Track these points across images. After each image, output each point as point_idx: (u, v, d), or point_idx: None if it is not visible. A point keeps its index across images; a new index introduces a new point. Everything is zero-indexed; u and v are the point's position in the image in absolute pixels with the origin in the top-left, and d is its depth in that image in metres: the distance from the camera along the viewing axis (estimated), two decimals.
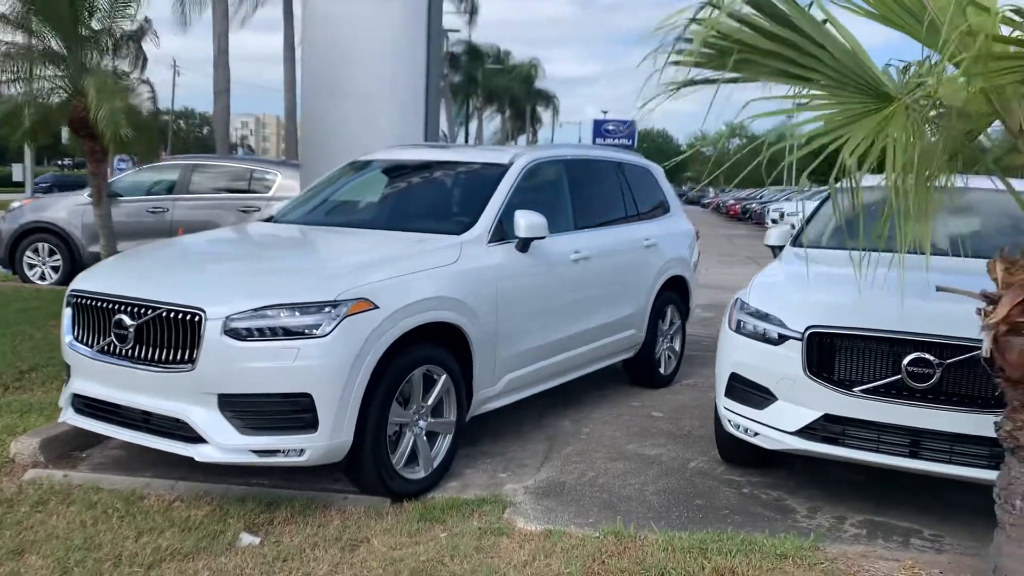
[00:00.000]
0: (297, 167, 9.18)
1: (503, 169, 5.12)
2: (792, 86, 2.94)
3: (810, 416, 3.99)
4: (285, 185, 10.16)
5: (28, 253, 10.68)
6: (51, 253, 10.64)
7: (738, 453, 4.68)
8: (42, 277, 10.68)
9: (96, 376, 4.10)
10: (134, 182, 10.99)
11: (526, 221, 4.72)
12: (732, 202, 43.63)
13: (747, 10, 2.81)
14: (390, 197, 5.67)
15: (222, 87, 18.37)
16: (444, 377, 4.29)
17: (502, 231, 4.80)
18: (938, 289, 3.23)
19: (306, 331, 3.73)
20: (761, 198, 38.56)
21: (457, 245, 4.54)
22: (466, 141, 49.40)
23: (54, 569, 3.32)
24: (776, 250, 5.51)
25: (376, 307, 3.88)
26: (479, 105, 52.69)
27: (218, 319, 3.70)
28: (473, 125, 53.63)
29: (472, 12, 41.80)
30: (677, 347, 6.90)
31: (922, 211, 2.91)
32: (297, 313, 3.76)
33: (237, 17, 26.27)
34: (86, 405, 4.20)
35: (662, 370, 6.66)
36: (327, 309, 3.77)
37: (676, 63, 2.91)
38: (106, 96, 6.43)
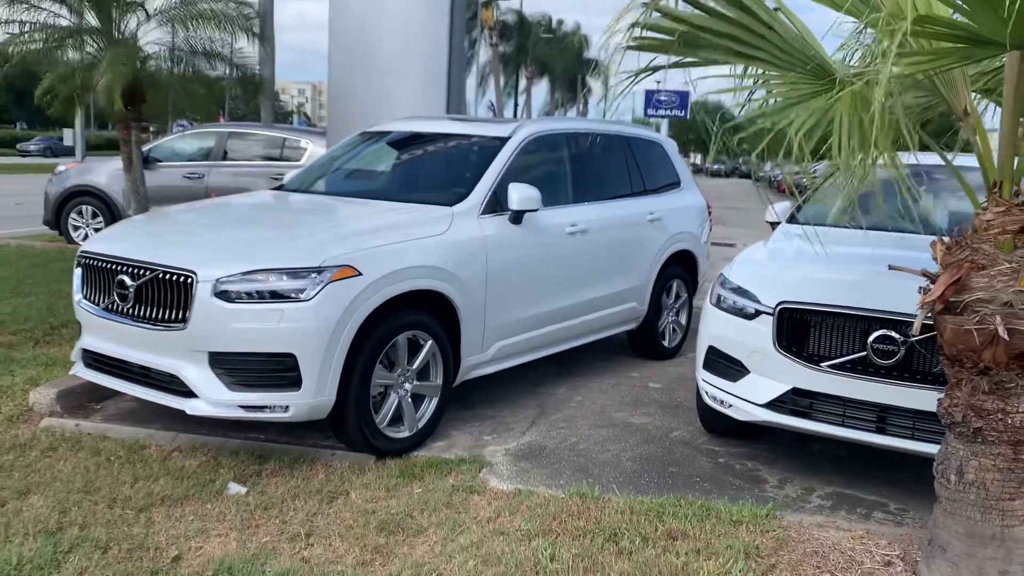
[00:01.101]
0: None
1: (502, 142, 5.24)
2: (743, 66, 3.01)
3: (779, 389, 4.08)
4: (316, 153, 10.39)
5: (73, 215, 11.15)
6: (94, 215, 11.09)
7: (719, 424, 4.78)
8: (85, 238, 11.13)
9: (102, 333, 4.37)
10: (172, 148, 11.35)
11: (519, 194, 4.84)
12: (782, 176, 42.88)
13: None
14: (393, 168, 5.85)
15: (267, 55, 18.63)
16: (430, 343, 4.47)
17: (496, 203, 4.94)
18: (890, 268, 3.29)
19: (291, 295, 3.94)
20: (814, 172, 37.80)
21: (448, 216, 4.69)
22: (515, 112, 49.31)
23: (53, 508, 3.59)
24: (775, 227, 5.55)
25: (360, 274, 4.06)
26: (529, 75, 52.42)
27: (208, 281, 3.93)
28: (523, 96, 53.44)
29: None
30: (683, 321, 6.97)
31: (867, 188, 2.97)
32: (284, 277, 3.97)
33: None
34: (94, 359, 4.49)
35: (666, 343, 6.76)
36: (312, 275, 3.97)
37: (630, 47, 3.00)
38: (114, 66, 6.69)
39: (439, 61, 7.79)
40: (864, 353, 3.85)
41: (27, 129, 54.58)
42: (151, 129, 11.03)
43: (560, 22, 53.52)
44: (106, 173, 10.93)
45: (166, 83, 8.30)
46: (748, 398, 4.20)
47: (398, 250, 4.32)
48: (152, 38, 7.85)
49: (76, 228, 11.17)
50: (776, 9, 3.01)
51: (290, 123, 46.28)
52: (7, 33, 7.40)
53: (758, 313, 4.18)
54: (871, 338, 3.83)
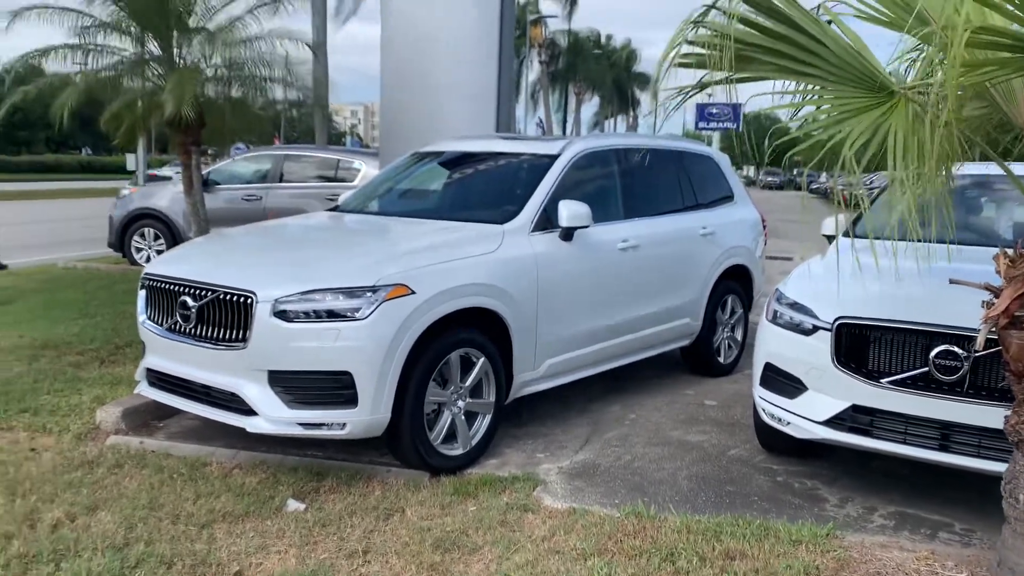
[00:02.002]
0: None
1: (551, 160, 5.27)
2: (794, 82, 2.99)
3: (838, 406, 4.01)
4: (369, 173, 10.56)
5: (136, 237, 11.50)
6: (156, 237, 11.42)
7: (777, 442, 4.71)
8: (148, 260, 11.46)
9: (165, 352, 4.50)
10: (231, 171, 11.64)
11: (568, 211, 4.86)
12: (841, 187, 42.00)
13: (745, 9, 2.87)
14: (445, 187, 5.92)
15: (321, 78, 18.99)
16: (482, 360, 4.49)
17: (547, 220, 4.96)
18: (951, 281, 3.21)
19: (347, 314, 4.00)
20: (871, 183, 37.12)
21: (499, 234, 4.73)
22: (563, 128, 49.40)
23: (120, 524, 3.69)
24: (832, 240, 5.46)
25: (413, 292, 4.11)
26: (577, 91, 52.54)
27: (267, 301, 4.02)
28: (573, 111, 53.57)
29: (572, 1, 41.58)
30: (739, 337, 6.89)
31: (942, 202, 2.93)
32: (340, 297, 4.04)
33: (343, 10, 27.06)
34: (158, 378, 4.61)
35: (721, 359, 6.69)
36: (367, 294, 4.03)
37: (681, 65, 3.01)
38: (177, 88, 6.90)
39: (489, 80, 7.87)
40: (926, 369, 3.77)
41: (92, 155, 56.39)
42: (210, 152, 11.37)
43: (609, 37, 53.67)
44: (167, 196, 11.26)
45: (223, 107, 8.52)
46: (806, 415, 4.13)
47: (450, 268, 4.37)
48: (212, 62, 8.08)
49: (139, 250, 11.51)
50: (829, 22, 2.98)
51: (343, 144, 47.04)
52: (76, 63, 7.69)
53: (816, 329, 4.11)
54: (933, 353, 3.74)
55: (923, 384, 3.78)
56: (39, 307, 8.30)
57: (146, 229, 11.48)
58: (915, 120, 2.77)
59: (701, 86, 3.08)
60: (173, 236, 11.19)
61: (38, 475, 4.21)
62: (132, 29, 7.41)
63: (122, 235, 11.59)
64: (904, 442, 3.87)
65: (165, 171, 22.20)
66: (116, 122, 8.24)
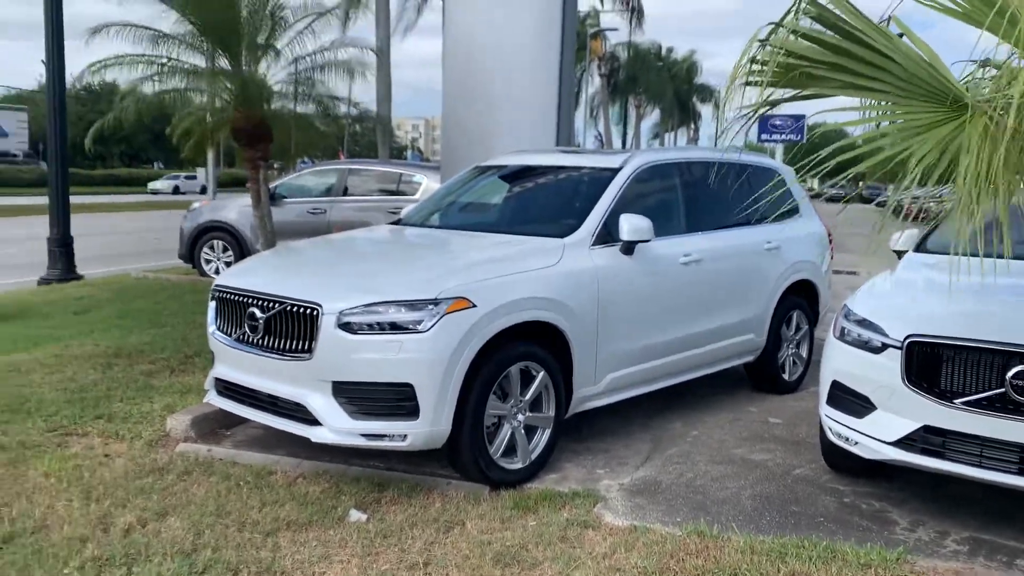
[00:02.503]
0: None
1: (613, 173, 5.26)
2: (860, 98, 2.93)
3: (909, 427, 3.90)
4: (430, 187, 10.68)
5: (205, 249, 11.83)
6: (224, 249, 11.72)
7: (844, 462, 4.60)
8: (217, 272, 11.77)
9: (234, 362, 4.61)
10: (296, 185, 11.89)
11: (630, 224, 4.84)
12: (909, 201, 40.94)
13: (809, 24, 2.83)
14: (505, 201, 5.95)
15: (383, 95, 19.39)
16: (542, 374, 4.49)
17: (607, 234, 4.94)
18: None
19: (409, 326, 4.05)
20: (939, 198, 35.98)
21: (560, 248, 4.73)
22: (623, 140, 49.22)
23: (189, 530, 3.78)
24: (901, 255, 5.33)
25: (474, 306, 4.14)
26: (638, 104, 52.32)
27: (333, 313, 4.09)
28: (632, 125, 53.36)
29: (635, 12, 41.46)
30: (804, 353, 6.76)
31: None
32: (403, 309, 4.09)
33: (402, 24, 27.46)
34: (226, 388, 4.73)
35: (786, 376, 6.56)
36: (429, 306, 4.07)
37: (748, 83, 2.98)
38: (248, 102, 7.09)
39: (549, 94, 7.89)
40: (1002, 390, 3.64)
41: (163, 168, 58.27)
42: (276, 167, 11.68)
43: (670, 50, 53.36)
44: (236, 209, 11.55)
45: (289, 122, 8.72)
46: (875, 435, 4.02)
47: (511, 282, 4.38)
48: (279, 78, 8.29)
49: (208, 262, 11.82)
50: (900, 35, 2.92)
51: (404, 158, 47.68)
52: (152, 79, 7.95)
53: (885, 347, 4.01)
54: (1011, 373, 3.61)
55: (1000, 405, 3.65)
56: (113, 316, 8.57)
57: (215, 241, 11.80)
58: (988, 133, 2.69)
59: (768, 104, 3.04)
60: (240, 248, 11.47)
61: (111, 480, 4.34)
62: (205, 45, 7.65)
63: (192, 247, 11.92)
64: (980, 465, 3.74)
65: (159, 184, 22.71)
66: (187, 136, 8.49)
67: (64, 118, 11.08)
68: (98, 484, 4.27)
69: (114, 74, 7.84)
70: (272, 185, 11.33)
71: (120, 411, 5.39)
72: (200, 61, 7.78)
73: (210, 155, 19.30)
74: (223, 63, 7.77)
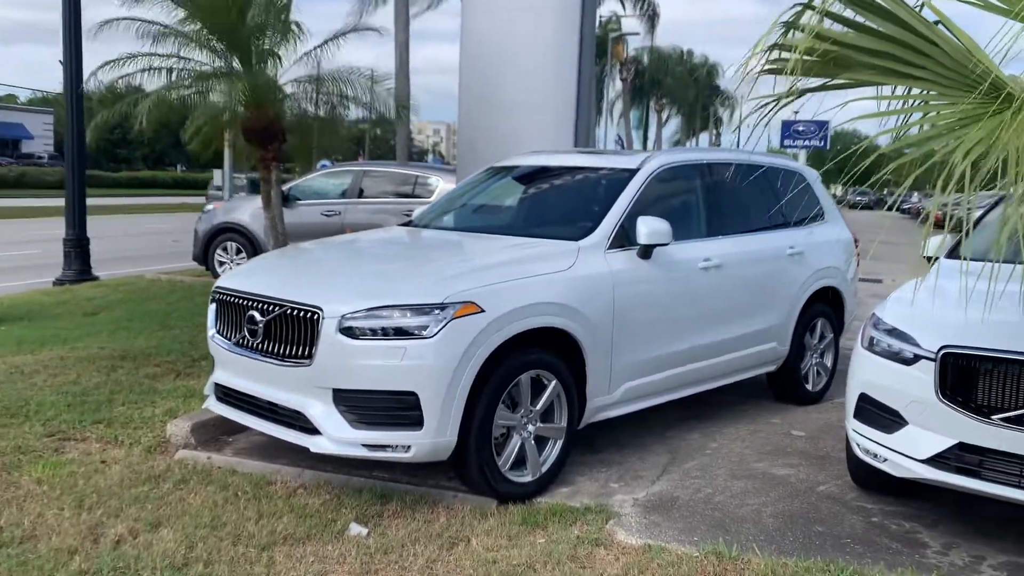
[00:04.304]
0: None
1: (630, 174, 5.05)
2: (900, 86, 2.71)
3: (943, 444, 3.65)
4: (445, 190, 10.50)
5: (219, 251, 11.72)
6: (238, 251, 11.61)
7: (871, 479, 4.36)
8: None
9: (233, 367, 4.45)
10: (311, 187, 11.76)
11: (647, 227, 4.63)
12: (941, 207, 40.23)
13: (840, 7, 2.62)
14: (519, 202, 5.76)
15: (402, 97, 19.21)
16: (554, 382, 4.29)
17: (624, 237, 4.74)
18: None
19: (414, 332, 3.86)
20: (968, 203, 35.28)
21: (574, 251, 4.53)
22: (644, 145, 48.93)
23: (181, 543, 3.62)
24: (932, 262, 5.07)
25: (482, 311, 3.95)
26: (659, 108, 51.99)
27: (334, 317, 3.91)
28: (653, 128, 53.06)
29: (652, 17, 41.20)
30: (828, 363, 6.51)
31: None
32: (408, 314, 3.90)
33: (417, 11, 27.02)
34: (225, 394, 4.56)
35: (809, 387, 6.32)
36: (435, 311, 3.88)
37: (771, 71, 2.76)
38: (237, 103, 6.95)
39: (567, 97, 7.71)
40: None
41: (185, 171, 58.56)
42: (296, 169, 11.56)
43: (690, 52, 52.96)
44: (249, 211, 11.43)
45: (305, 125, 8.59)
46: (906, 452, 3.78)
47: (522, 286, 4.19)
48: (292, 76, 8.15)
49: (222, 263, 11.73)
50: (937, 22, 2.70)
51: (425, 161, 47.64)
52: (168, 82, 7.83)
53: (917, 358, 3.77)
54: None
55: None
56: (122, 318, 8.48)
57: (229, 243, 11.69)
58: None
59: (797, 93, 2.83)
60: (254, 250, 11.36)
61: (105, 488, 4.19)
62: (215, 45, 7.52)
63: (206, 248, 11.83)
64: (1019, 486, 3.49)
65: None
66: (200, 136, 8.37)
67: (81, 119, 11.04)
68: (92, 492, 4.12)
69: (129, 73, 7.71)
70: (286, 187, 11.21)
71: (121, 415, 5.25)
72: (210, 59, 7.64)
73: (227, 155, 19.19)
74: (233, 63, 7.63)
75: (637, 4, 40.42)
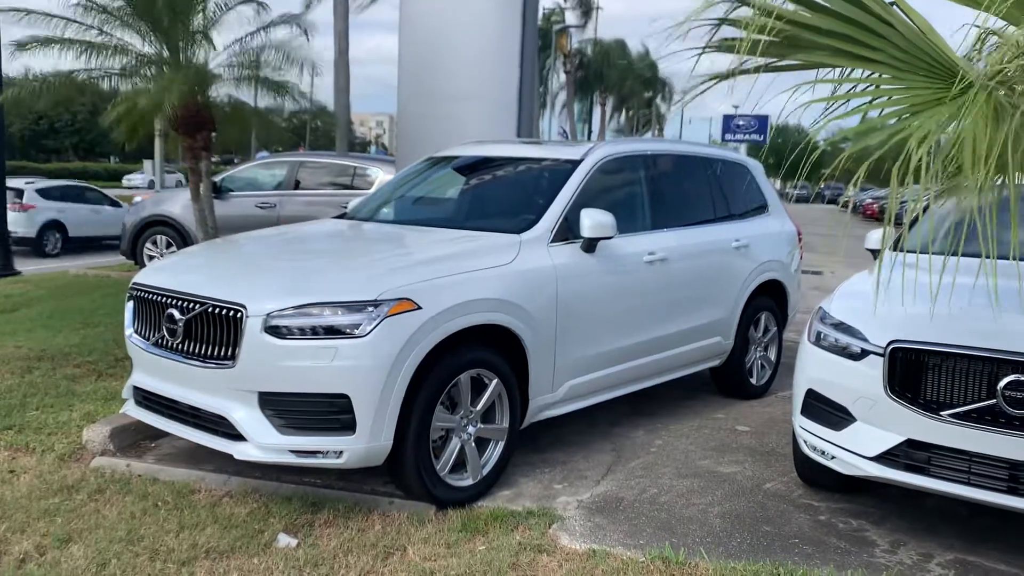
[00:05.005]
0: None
1: (573, 165, 4.89)
2: (852, 68, 2.59)
3: (891, 441, 3.58)
4: (385, 181, 10.24)
5: (148, 245, 11.24)
6: (168, 245, 11.15)
7: (818, 476, 4.28)
8: None
9: (151, 369, 4.16)
10: (244, 178, 11.35)
11: (591, 220, 4.48)
12: (870, 200, 41.31)
13: None
14: (460, 194, 5.55)
15: (342, 86, 18.81)
16: (495, 382, 4.11)
17: (567, 230, 4.57)
18: None
19: (346, 330, 3.63)
20: (902, 197, 36.11)
21: (515, 244, 4.35)
22: (588, 137, 49.05)
23: (92, 560, 3.35)
24: (876, 254, 5.03)
25: (419, 308, 3.74)
26: (603, 101, 52.17)
27: (259, 316, 3.66)
28: (597, 122, 53.25)
29: (587, 12, 41.34)
30: (772, 356, 6.47)
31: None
32: (339, 312, 3.67)
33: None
34: (144, 397, 4.27)
35: (754, 380, 6.26)
36: (368, 308, 3.66)
37: (719, 49, 2.61)
38: (162, 90, 6.62)
39: (509, 87, 7.51)
40: (993, 401, 3.33)
41: (119, 163, 56.75)
42: (235, 160, 11.17)
43: (630, 47, 53.22)
44: (180, 203, 10.97)
45: (238, 113, 8.24)
46: (854, 449, 3.70)
47: (461, 281, 3.99)
48: (221, 60, 7.78)
49: (151, 257, 11.24)
50: (892, 3, 2.58)
51: (368, 153, 47.00)
52: (91, 69, 7.40)
53: (865, 353, 3.69)
54: (1002, 384, 3.30)
55: (990, 418, 3.35)
56: (43, 315, 8.04)
57: (158, 236, 11.22)
58: (997, 114, 2.36)
59: (743, 72, 2.68)
60: (185, 243, 10.91)
61: (12, 500, 3.89)
62: (140, 27, 7.12)
63: (134, 242, 11.33)
64: (968, 483, 3.43)
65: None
66: (124, 123, 7.95)
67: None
68: None
69: (39, 59, 7.29)
70: (218, 178, 10.80)
71: (34, 420, 4.92)
72: (133, 40, 7.24)
73: (157, 145, 18.53)
74: (156, 46, 7.24)
75: None
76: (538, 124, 10.23)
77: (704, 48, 2.57)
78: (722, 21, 2.55)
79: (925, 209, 5.16)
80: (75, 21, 6.98)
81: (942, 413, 3.44)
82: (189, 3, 7.07)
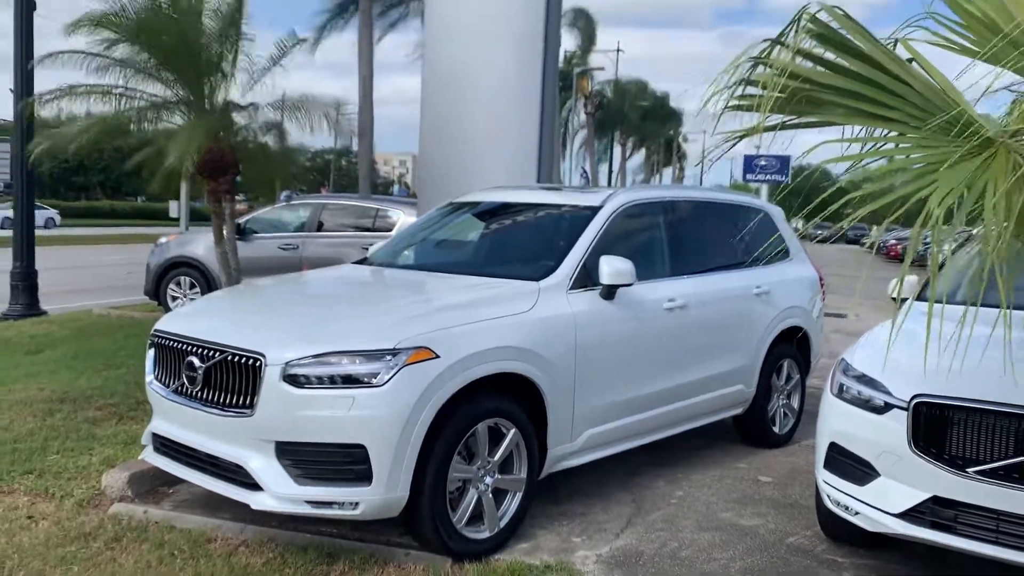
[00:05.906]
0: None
1: (593, 212, 4.90)
2: (870, 128, 2.58)
3: (916, 497, 3.50)
4: (407, 224, 10.30)
5: (171, 286, 11.34)
6: (191, 286, 11.25)
7: (842, 530, 4.19)
8: None
9: (171, 416, 4.17)
10: (268, 220, 11.47)
11: (610, 267, 4.47)
12: (893, 241, 41.02)
13: (812, 45, 2.49)
14: (479, 240, 5.57)
15: (366, 128, 19.09)
16: (513, 431, 4.08)
17: (587, 277, 4.57)
18: None
19: (363, 379, 3.63)
20: (926, 239, 35.82)
21: (534, 292, 4.35)
22: (609, 179, 49.26)
23: None
24: (901, 303, 4.96)
25: (437, 356, 3.73)
26: (623, 142, 52.46)
27: (277, 364, 3.67)
28: (617, 161, 53.49)
29: (588, 43, 41.74)
30: (795, 404, 6.38)
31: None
32: (357, 360, 3.67)
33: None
34: (163, 444, 4.28)
35: (776, 429, 6.17)
36: (386, 357, 3.66)
37: (738, 108, 2.62)
38: (183, 140, 6.73)
39: (530, 130, 7.58)
40: (1021, 458, 3.26)
41: (145, 201, 57.60)
42: (254, 200, 11.27)
43: (653, 89, 53.62)
44: (204, 245, 11.08)
45: (259, 155, 8.33)
46: (879, 506, 3.62)
47: (479, 330, 3.98)
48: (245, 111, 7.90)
49: (175, 299, 11.35)
50: (910, 60, 2.58)
51: (390, 193, 47.41)
52: (119, 112, 7.55)
53: (889, 407, 3.63)
54: None
55: (1019, 476, 3.27)
56: (67, 357, 8.10)
57: (182, 277, 11.33)
58: (1016, 170, 2.35)
59: (763, 129, 2.68)
60: (209, 285, 11.01)
61: (30, 547, 3.89)
62: (163, 74, 7.27)
63: (158, 283, 11.44)
64: (996, 542, 3.34)
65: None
66: (150, 169, 8.07)
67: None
68: (13, 552, 3.82)
69: (71, 106, 7.43)
70: (242, 220, 10.92)
71: (54, 465, 4.94)
72: (158, 90, 7.38)
73: (183, 187, 18.81)
74: (182, 93, 7.38)
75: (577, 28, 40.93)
76: (559, 166, 10.27)
77: (725, 107, 2.58)
78: (743, 82, 2.56)
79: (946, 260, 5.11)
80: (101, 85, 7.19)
81: (968, 470, 3.37)
82: (214, 63, 7.23)
